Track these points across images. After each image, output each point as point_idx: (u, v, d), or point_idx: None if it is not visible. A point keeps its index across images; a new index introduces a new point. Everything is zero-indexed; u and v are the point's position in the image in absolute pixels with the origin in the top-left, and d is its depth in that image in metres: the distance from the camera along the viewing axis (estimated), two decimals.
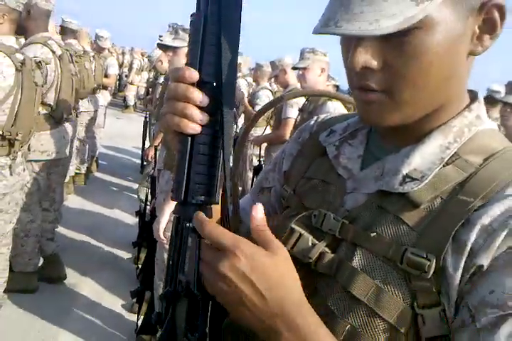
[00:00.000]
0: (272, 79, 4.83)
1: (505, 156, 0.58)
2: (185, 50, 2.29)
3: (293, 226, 0.63)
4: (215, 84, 0.52)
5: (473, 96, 0.63)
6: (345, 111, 2.90)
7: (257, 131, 4.70)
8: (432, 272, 0.52)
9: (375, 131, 0.67)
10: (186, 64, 0.53)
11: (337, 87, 5.14)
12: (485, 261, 0.51)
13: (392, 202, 0.58)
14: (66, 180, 4.52)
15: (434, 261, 0.52)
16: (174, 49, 2.30)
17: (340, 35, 0.55)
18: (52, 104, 2.85)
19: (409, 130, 0.60)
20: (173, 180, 0.52)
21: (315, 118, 0.80)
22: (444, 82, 0.55)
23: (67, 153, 3.03)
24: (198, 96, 0.53)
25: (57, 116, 2.89)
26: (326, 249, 0.60)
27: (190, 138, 0.52)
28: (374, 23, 0.48)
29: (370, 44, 0.53)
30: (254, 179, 3.64)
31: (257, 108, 4.75)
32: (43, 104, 2.72)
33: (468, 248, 0.52)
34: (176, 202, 0.53)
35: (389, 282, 0.55)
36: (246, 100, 4.97)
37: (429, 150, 0.58)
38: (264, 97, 4.82)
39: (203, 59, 0.52)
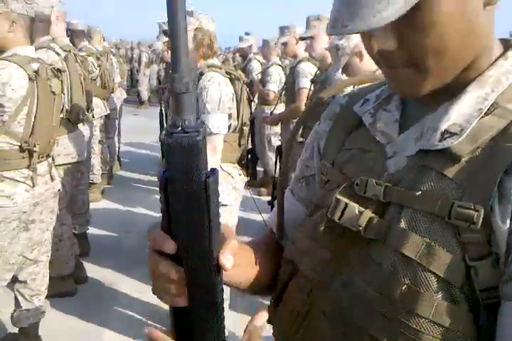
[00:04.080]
0: (281, 47, 4.61)
1: None
2: (192, 32, 2.18)
3: (337, 197, 0.62)
4: None
5: (507, 44, 0.61)
6: None
7: (265, 110, 4.56)
8: (480, 222, 0.52)
9: None
10: None
11: None
12: None
13: (434, 159, 0.58)
14: (98, 181, 4.53)
15: (482, 211, 0.52)
16: None
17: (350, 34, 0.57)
18: (67, 107, 2.83)
19: (445, 88, 0.59)
20: None
21: (345, 92, 0.80)
22: (465, 41, 0.54)
23: (85, 156, 3.04)
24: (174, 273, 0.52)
25: (73, 119, 2.88)
26: (374, 215, 0.60)
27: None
28: (377, 14, 0.49)
29: (381, 30, 0.53)
30: (277, 159, 3.55)
31: (270, 86, 4.63)
32: None
33: None
34: None
35: (438, 238, 0.55)
36: (257, 77, 4.85)
37: (467, 104, 0.58)
38: (276, 75, 4.69)
39: None
